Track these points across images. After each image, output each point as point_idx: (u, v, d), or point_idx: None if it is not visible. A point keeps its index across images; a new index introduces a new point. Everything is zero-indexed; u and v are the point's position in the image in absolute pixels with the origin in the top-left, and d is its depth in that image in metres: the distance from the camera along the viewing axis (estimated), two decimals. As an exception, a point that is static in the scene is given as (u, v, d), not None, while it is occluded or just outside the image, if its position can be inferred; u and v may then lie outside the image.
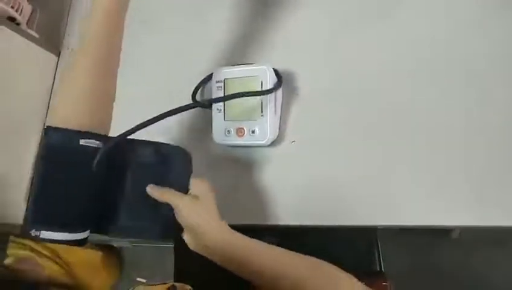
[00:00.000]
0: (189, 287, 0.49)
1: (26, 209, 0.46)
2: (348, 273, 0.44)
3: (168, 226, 0.50)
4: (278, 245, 0.47)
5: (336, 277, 0.44)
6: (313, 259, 0.46)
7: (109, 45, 0.49)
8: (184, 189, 0.50)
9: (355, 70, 0.60)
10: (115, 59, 0.50)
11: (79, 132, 0.45)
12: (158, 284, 0.50)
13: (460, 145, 0.52)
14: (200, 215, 0.48)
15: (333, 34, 0.63)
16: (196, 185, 0.51)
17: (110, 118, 0.50)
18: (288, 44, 0.66)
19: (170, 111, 0.50)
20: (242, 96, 0.58)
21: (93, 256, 0.50)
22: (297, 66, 0.64)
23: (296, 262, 0.46)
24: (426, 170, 0.53)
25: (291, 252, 0.47)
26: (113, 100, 0.50)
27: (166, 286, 0.49)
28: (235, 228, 0.49)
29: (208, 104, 0.65)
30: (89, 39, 0.48)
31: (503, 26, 0.55)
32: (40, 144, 0.47)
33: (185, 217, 0.48)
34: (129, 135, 0.47)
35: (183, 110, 0.51)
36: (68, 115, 0.46)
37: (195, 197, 0.49)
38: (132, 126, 0.46)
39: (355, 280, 0.44)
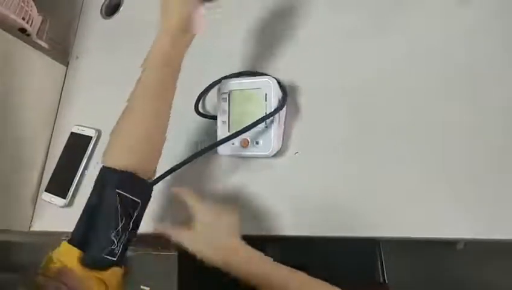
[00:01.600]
0: None
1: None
2: None
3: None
4: (281, 256, 0.47)
5: None
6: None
7: (164, 94, 0.53)
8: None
9: (360, 83, 0.60)
10: (169, 110, 0.54)
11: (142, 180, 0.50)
12: None
13: (466, 157, 0.52)
14: (204, 245, 0.49)
15: (338, 46, 0.64)
16: (202, 213, 0.52)
17: (155, 168, 0.54)
18: (293, 55, 0.67)
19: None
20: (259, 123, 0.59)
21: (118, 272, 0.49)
22: (301, 77, 0.65)
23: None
24: (431, 181, 0.53)
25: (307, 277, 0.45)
26: (160, 153, 0.54)
27: None
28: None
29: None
30: (148, 86, 0.52)
31: (497, 35, 0.55)
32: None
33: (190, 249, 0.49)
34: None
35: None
36: (122, 158, 0.50)
37: (197, 227, 0.50)
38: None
39: None
